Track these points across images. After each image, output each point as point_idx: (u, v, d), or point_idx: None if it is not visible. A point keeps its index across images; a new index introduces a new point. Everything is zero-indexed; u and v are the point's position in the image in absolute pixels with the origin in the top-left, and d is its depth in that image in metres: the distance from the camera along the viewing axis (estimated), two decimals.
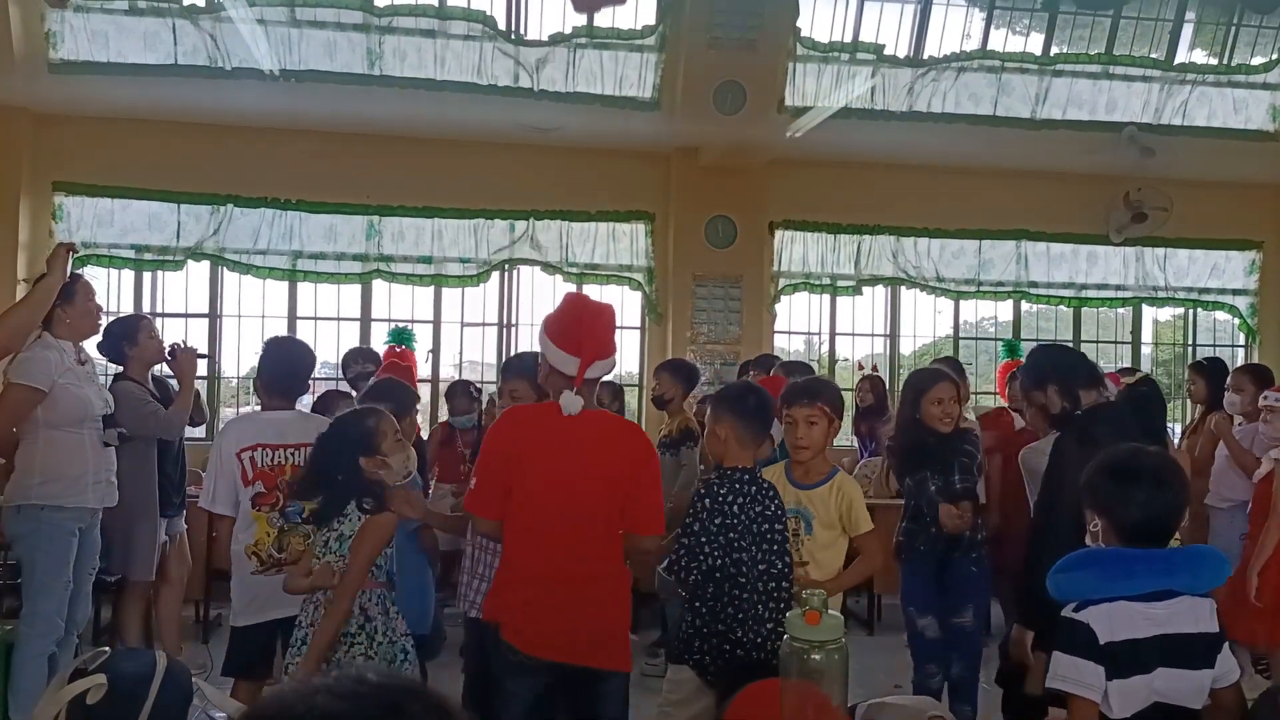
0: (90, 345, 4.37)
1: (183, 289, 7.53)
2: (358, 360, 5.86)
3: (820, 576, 3.28)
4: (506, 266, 7.80)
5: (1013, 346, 8.19)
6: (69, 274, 4.04)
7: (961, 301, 8.56)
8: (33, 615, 3.89)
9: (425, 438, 5.68)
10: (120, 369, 4.59)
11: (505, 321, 7.96)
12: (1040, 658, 3.22)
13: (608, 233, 7.80)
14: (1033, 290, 8.48)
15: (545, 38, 6.91)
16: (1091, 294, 8.58)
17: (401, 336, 7.20)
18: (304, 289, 7.63)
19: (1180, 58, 7.81)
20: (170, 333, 5.96)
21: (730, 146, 7.34)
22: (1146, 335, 9.08)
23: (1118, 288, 8.61)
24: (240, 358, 7.57)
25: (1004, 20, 7.81)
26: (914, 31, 7.53)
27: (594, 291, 7.87)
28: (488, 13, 6.85)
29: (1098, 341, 8.97)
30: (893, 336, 8.56)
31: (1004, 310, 8.85)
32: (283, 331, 7.25)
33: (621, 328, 6.09)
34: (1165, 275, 8.65)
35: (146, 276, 7.46)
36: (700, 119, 6.97)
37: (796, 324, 8.35)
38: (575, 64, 6.87)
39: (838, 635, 2.04)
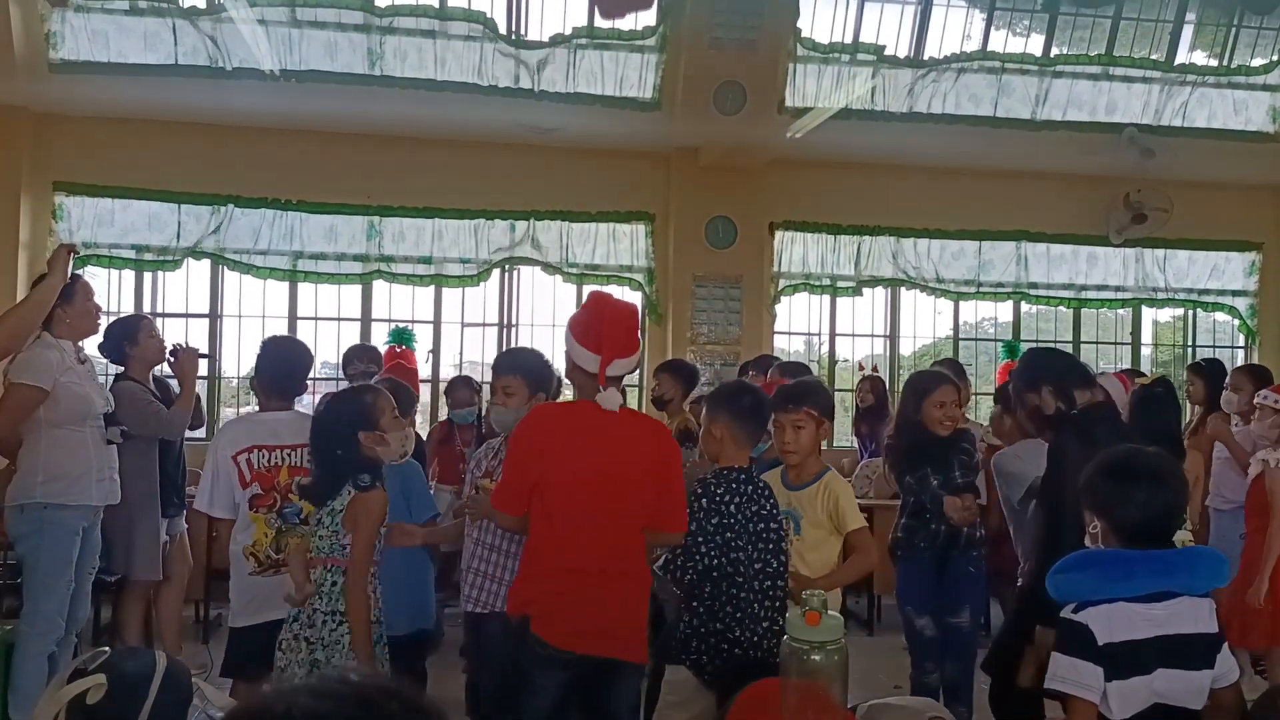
0: (90, 345, 4.38)
1: (183, 289, 7.53)
2: (359, 359, 5.85)
3: (811, 575, 3.29)
4: (506, 266, 7.81)
5: (1012, 347, 8.18)
6: (69, 274, 4.06)
7: (961, 302, 8.56)
8: (34, 614, 3.90)
9: (425, 437, 5.67)
10: (121, 369, 4.59)
11: (505, 322, 7.96)
12: (1030, 651, 3.25)
13: (608, 233, 7.80)
14: (1032, 291, 8.48)
15: (546, 38, 6.92)
16: (1091, 295, 8.58)
17: (402, 337, 7.19)
18: (304, 289, 7.63)
19: (1180, 59, 7.81)
20: (170, 333, 5.97)
21: (730, 147, 7.35)
22: (1146, 336, 9.08)
23: (1117, 289, 8.60)
24: (241, 358, 7.57)
25: (1004, 21, 7.81)
26: (914, 32, 7.53)
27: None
28: (488, 14, 6.86)
29: (1097, 342, 8.98)
30: (893, 337, 8.56)
31: (1004, 311, 8.85)
32: (283, 332, 7.25)
33: None
34: (1165, 276, 8.65)
35: (147, 276, 7.46)
36: (700, 119, 6.97)
37: (796, 325, 8.36)
38: (576, 64, 6.87)
39: (837, 636, 2.04)
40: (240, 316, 7.58)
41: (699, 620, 3.02)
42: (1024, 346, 7.99)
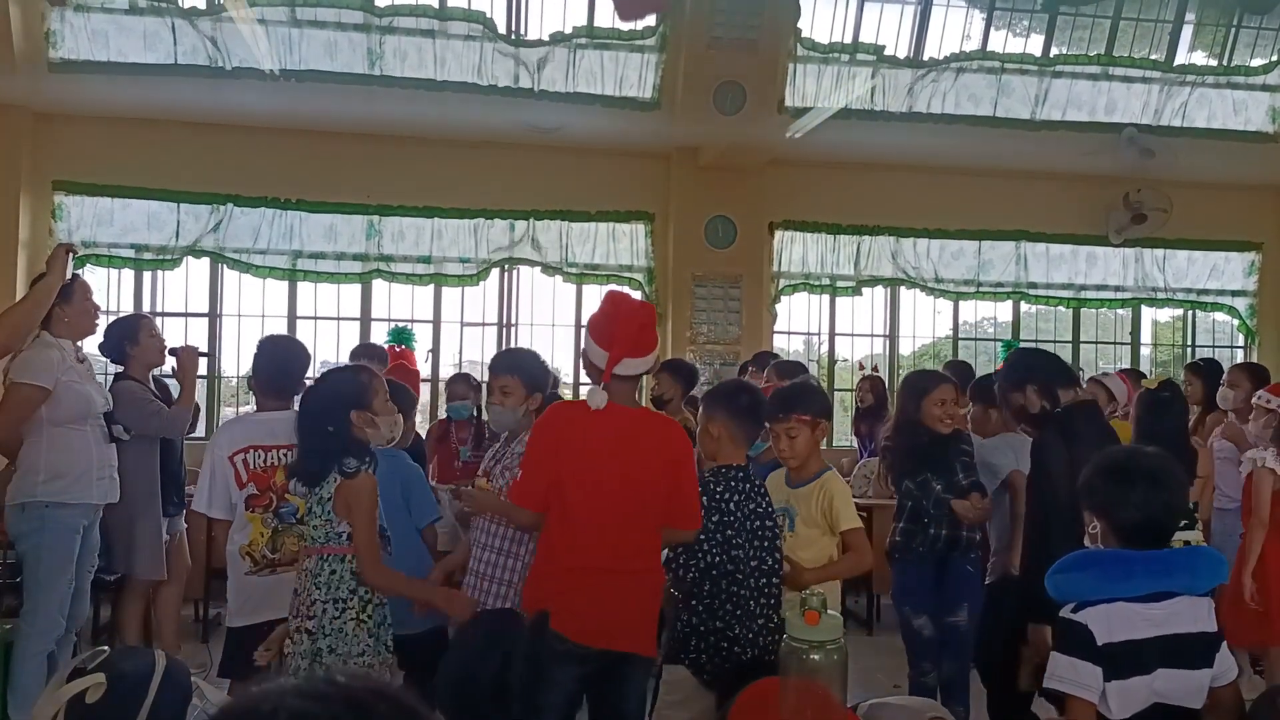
0: (89, 344, 4.38)
1: (182, 288, 7.53)
2: (364, 358, 5.86)
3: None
4: (506, 266, 7.81)
5: (1012, 347, 8.18)
6: (68, 274, 4.06)
7: (961, 302, 8.57)
8: (34, 613, 3.90)
9: (424, 436, 5.66)
10: (121, 368, 4.59)
11: (505, 321, 7.96)
12: (1026, 650, 3.27)
13: (608, 233, 7.81)
14: (1032, 291, 8.48)
15: (546, 37, 6.92)
16: (1091, 295, 8.58)
17: (401, 336, 7.19)
18: (304, 288, 7.63)
19: (1180, 59, 7.81)
20: (170, 332, 5.96)
21: (730, 147, 7.35)
22: (1146, 336, 9.08)
23: (1117, 289, 8.61)
24: (240, 357, 7.57)
25: (1004, 21, 7.82)
26: (914, 32, 7.53)
27: (594, 291, 7.89)
28: (488, 14, 6.85)
29: (1097, 342, 8.98)
30: (892, 337, 8.56)
31: (1003, 311, 8.85)
32: (283, 331, 7.25)
33: None
34: (1164, 276, 8.66)
35: (146, 276, 7.46)
36: (700, 119, 6.97)
37: (796, 324, 8.36)
38: (575, 64, 6.87)
39: (837, 635, 2.05)
40: (239, 316, 7.58)
41: (698, 619, 3.03)
42: (1024, 346, 7.99)
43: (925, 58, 7.40)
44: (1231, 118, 7.70)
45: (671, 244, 7.76)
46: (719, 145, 7.38)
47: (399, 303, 7.79)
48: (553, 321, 7.96)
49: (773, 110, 6.99)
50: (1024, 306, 8.67)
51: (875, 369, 7.83)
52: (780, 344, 8.12)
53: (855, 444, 7.28)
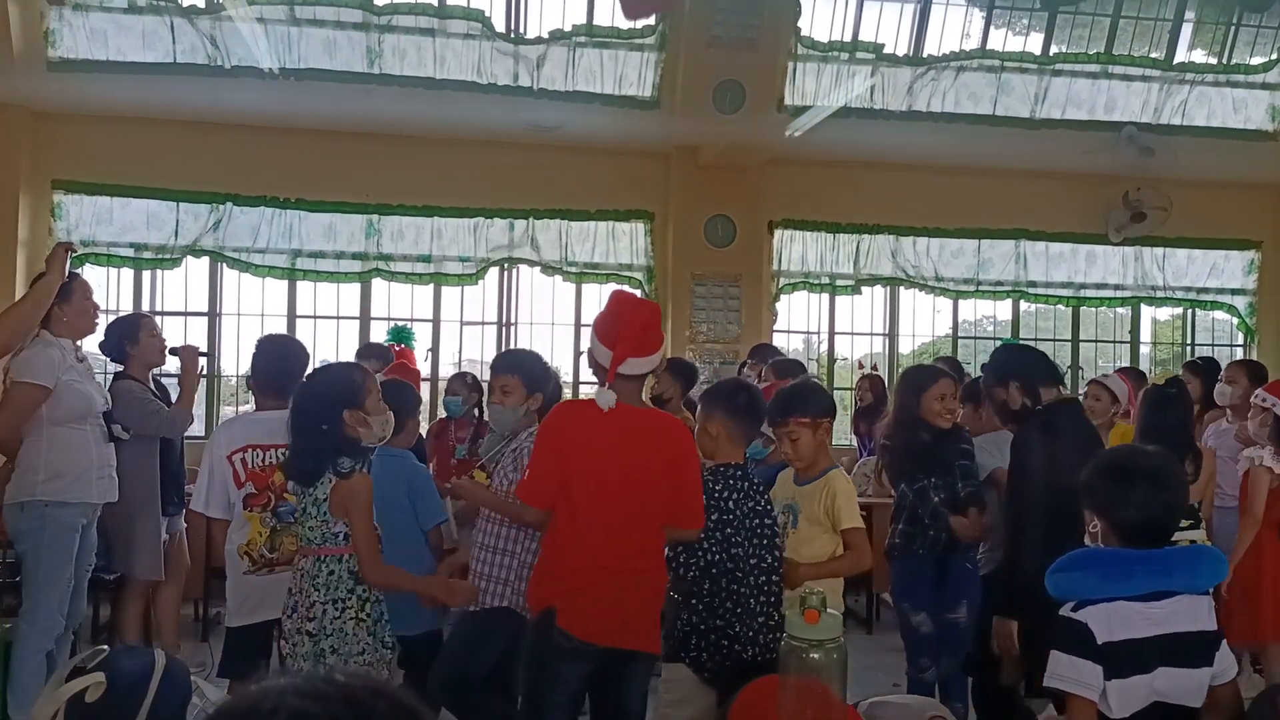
0: (89, 344, 4.38)
1: (182, 288, 7.52)
2: (370, 358, 5.88)
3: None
4: (505, 265, 7.80)
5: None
6: (67, 273, 4.06)
7: (960, 301, 8.57)
8: (33, 611, 3.90)
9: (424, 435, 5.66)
10: (121, 368, 4.59)
11: (504, 320, 7.96)
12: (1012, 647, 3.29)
13: (607, 232, 7.80)
14: (1031, 290, 8.48)
15: (545, 36, 6.91)
16: (1090, 294, 8.58)
17: (401, 335, 7.19)
18: (303, 288, 7.63)
19: (1179, 57, 7.80)
20: (169, 332, 5.96)
21: (730, 146, 7.34)
22: (1145, 335, 9.08)
23: (1116, 287, 8.61)
24: (240, 356, 7.56)
25: (1003, 20, 7.81)
26: (913, 31, 7.53)
27: (593, 291, 7.89)
28: (486, 13, 6.84)
29: (1096, 341, 8.98)
30: (892, 336, 8.56)
31: (1003, 310, 8.85)
32: (282, 330, 7.25)
33: None
34: (1164, 275, 8.66)
35: (145, 275, 7.45)
36: (700, 118, 6.97)
37: (796, 323, 8.36)
38: (575, 63, 6.87)
39: (836, 634, 2.04)
40: (239, 315, 7.58)
41: (698, 617, 3.03)
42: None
43: (925, 56, 7.39)
44: (1231, 116, 7.69)
45: (671, 243, 7.75)
46: (718, 144, 7.37)
47: (398, 302, 7.79)
48: (552, 320, 7.96)
49: (772, 109, 6.98)
50: (1023, 305, 8.67)
51: (875, 368, 7.82)
52: (780, 343, 8.10)
53: (854, 443, 7.28)
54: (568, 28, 6.92)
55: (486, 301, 7.93)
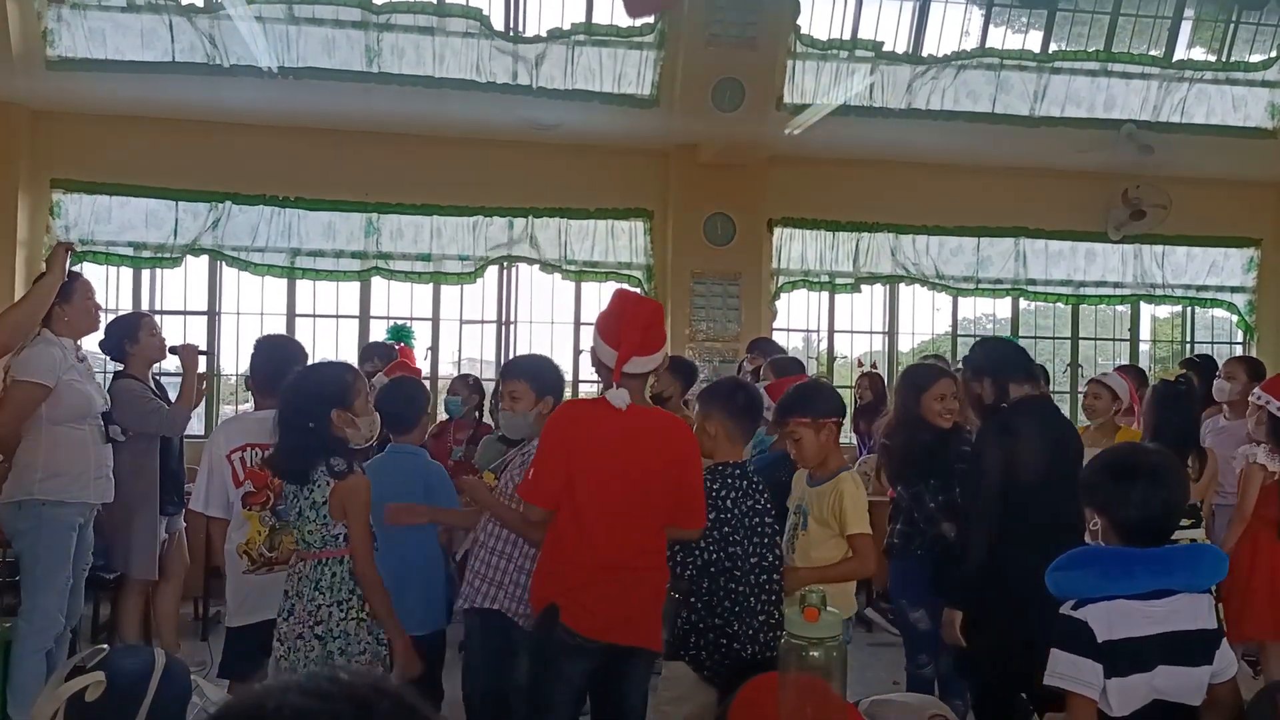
0: (89, 343, 4.38)
1: (181, 286, 7.52)
2: (371, 358, 5.91)
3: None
4: (505, 263, 7.80)
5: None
6: (67, 272, 4.06)
7: (960, 298, 8.56)
8: (32, 611, 3.91)
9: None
10: (121, 367, 4.59)
11: (504, 319, 7.96)
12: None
13: (606, 230, 7.80)
14: (1031, 287, 8.48)
15: (544, 34, 6.90)
16: (1090, 291, 8.58)
17: (401, 334, 7.19)
18: (303, 286, 7.62)
19: (1179, 55, 7.80)
20: (169, 330, 5.96)
21: (729, 144, 7.34)
22: (1145, 332, 9.08)
23: (1116, 285, 8.61)
24: (239, 355, 7.56)
25: (1003, 18, 7.81)
26: (913, 29, 7.52)
27: (592, 289, 7.89)
28: (485, 11, 6.83)
29: (1096, 339, 8.98)
30: (891, 334, 8.56)
31: (1002, 307, 8.85)
32: (281, 329, 7.25)
33: None
34: (1163, 272, 8.65)
35: (145, 274, 7.45)
36: (699, 116, 6.97)
37: (795, 321, 8.35)
38: (574, 61, 6.86)
39: (836, 632, 2.04)
40: (238, 314, 7.57)
41: (697, 616, 3.03)
42: (1022, 343, 7.99)
43: (924, 54, 7.39)
44: (1230, 113, 7.69)
45: (670, 241, 7.75)
46: (718, 142, 7.37)
47: (398, 300, 7.78)
48: (551, 319, 7.96)
49: (771, 107, 6.98)
50: (1023, 303, 8.67)
51: (874, 365, 7.82)
52: (779, 341, 8.09)
53: (854, 441, 7.27)
54: (566, 26, 6.92)
55: (486, 300, 7.93)
